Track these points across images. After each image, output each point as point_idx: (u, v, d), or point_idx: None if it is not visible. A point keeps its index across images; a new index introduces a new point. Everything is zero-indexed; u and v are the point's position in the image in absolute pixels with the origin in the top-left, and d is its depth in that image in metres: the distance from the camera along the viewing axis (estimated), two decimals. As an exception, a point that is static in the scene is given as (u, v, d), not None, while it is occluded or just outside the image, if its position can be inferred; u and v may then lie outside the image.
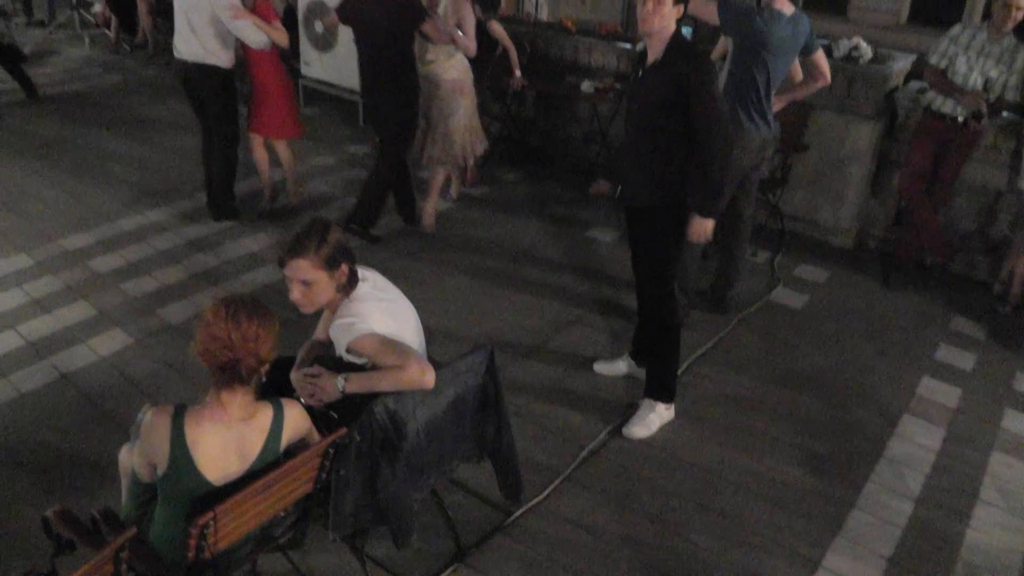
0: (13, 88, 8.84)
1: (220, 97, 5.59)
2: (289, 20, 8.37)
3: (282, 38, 5.49)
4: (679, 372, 4.17)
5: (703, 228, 3.66)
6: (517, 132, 7.54)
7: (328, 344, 2.90)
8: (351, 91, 8.01)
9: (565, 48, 7.27)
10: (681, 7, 3.44)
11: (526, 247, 5.85)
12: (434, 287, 5.20)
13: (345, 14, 5.42)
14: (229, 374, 2.30)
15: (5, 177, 6.76)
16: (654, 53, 3.53)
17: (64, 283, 5.20)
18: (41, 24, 11.73)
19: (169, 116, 8.27)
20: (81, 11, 11.70)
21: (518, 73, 6.60)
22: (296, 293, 2.76)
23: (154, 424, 2.32)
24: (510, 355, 4.56)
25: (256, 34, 5.35)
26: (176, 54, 5.55)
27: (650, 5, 3.39)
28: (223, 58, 5.48)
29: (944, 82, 5.08)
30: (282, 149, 6.09)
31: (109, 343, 4.61)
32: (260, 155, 6.07)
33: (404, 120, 5.52)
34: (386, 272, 3.07)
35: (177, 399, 3.90)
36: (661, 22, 3.42)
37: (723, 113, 3.44)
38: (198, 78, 5.51)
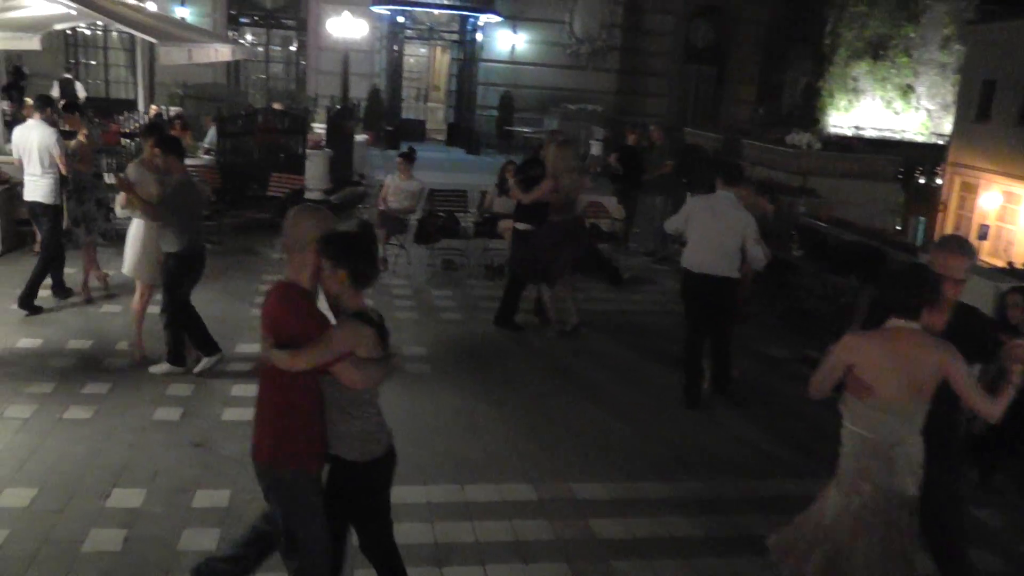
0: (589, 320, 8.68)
1: (734, 301, 6.63)
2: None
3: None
4: None
5: None
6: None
7: None
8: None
9: None
10: None
11: None
12: None
13: None
14: None
15: (530, 395, 6.43)
16: None
17: (556, 534, 4.51)
18: (649, 255, 12.13)
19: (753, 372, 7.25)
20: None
21: None
22: None
23: None
24: None
25: (763, 256, 6.56)
26: (696, 269, 6.45)
27: None
28: (736, 272, 6.51)
29: None
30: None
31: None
32: None
33: None
34: None
35: None
36: None
37: None
38: (720, 289, 6.41)
